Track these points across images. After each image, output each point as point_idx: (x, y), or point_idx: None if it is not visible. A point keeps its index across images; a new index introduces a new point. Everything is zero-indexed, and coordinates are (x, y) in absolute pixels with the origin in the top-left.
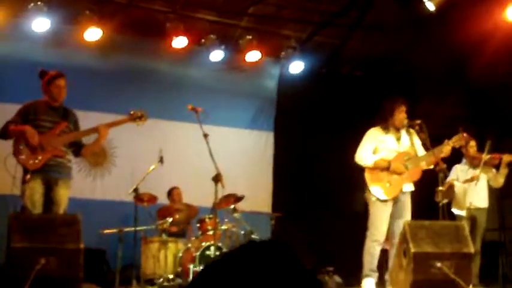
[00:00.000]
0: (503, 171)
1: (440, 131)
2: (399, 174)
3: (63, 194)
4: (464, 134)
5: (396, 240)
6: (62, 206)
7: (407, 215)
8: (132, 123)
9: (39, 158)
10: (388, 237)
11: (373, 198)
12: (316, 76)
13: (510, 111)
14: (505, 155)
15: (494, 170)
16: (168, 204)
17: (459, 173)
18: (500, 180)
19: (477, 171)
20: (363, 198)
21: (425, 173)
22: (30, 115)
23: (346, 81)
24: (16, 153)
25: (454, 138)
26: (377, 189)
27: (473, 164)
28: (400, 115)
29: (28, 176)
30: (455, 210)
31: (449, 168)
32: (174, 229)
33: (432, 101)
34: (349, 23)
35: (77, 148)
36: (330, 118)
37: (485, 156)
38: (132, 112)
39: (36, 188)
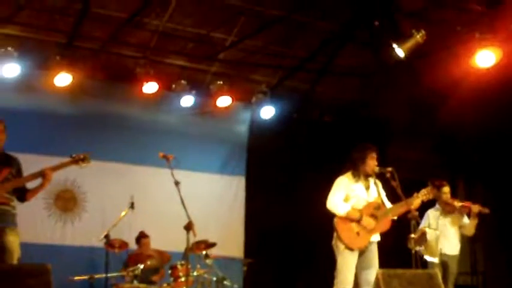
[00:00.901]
0: (473, 221)
1: (411, 176)
2: (369, 229)
3: (13, 241)
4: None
5: None
6: (15, 255)
7: (375, 265)
8: (75, 165)
9: None
10: (359, 285)
11: (342, 247)
12: (287, 121)
13: (479, 157)
14: (473, 206)
15: (465, 218)
16: (139, 250)
17: (431, 219)
18: (472, 230)
19: (448, 220)
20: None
21: (398, 220)
22: None
23: (317, 127)
24: None
25: (423, 192)
26: (346, 238)
27: (446, 210)
28: (371, 162)
29: None
30: (427, 257)
31: (421, 213)
32: (156, 278)
33: (402, 147)
34: (319, 68)
35: (21, 194)
36: (301, 163)
37: (457, 204)
38: (74, 155)
39: None
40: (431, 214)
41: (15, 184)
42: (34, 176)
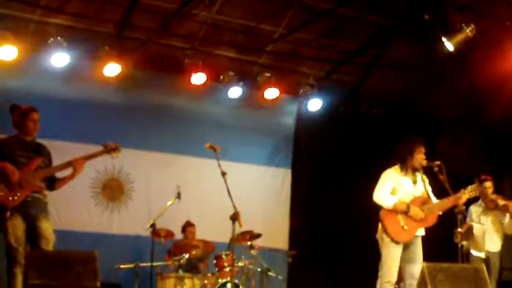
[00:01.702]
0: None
1: (458, 171)
2: (417, 220)
3: (48, 228)
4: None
5: (410, 281)
6: (51, 242)
7: (420, 259)
8: (107, 155)
9: (18, 194)
10: (403, 278)
11: (387, 240)
12: (334, 114)
13: None
14: (511, 205)
15: (507, 216)
16: (185, 240)
17: (473, 215)
18: (511, 228)
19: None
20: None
21: (444, 215)
22: (5, 151)
23: (364, 120)
24: None
25: (469, 188)
26: (392, 231)
27: (488, 207)
28: (419, 156)
29: (8, 213)
30: (474, 252)
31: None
32: (201, 268)
33: (450, 141)
34: (368, 62)
35: (50, 182)
36: (348, 156)
37: (500, 202)
38: (106, 144)
39: (18, 225)
40: (474, 210)
41: (47, 173)
42: (66, 166)
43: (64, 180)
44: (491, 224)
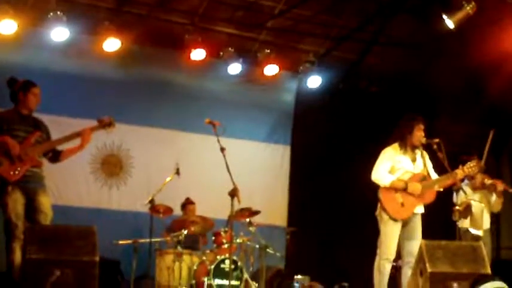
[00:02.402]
0: (499, 200)
1: (457, 149)
2: (415, 195)
3: (46, 202)
4: (480, 162)
5: (409, 259)
6: (49, 217)
7: (419, 236)
8: (102, 130)
9: (19, 169)
10: (401, 256)
11: (386, 217)
12: (334, 91)
13: None
14: (498, 183)
15: (494, 195)
16: (183, 216)
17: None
18: (498, 207)
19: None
20: (375, 216)
21: (442, 193)
22: (3, 125)
23: (363, 97)
24: None
25: (469, 165)
26: (390, 209)
27: (475, 185)
28: (418, 133)
29: (10, 188)
30: (472, 230)
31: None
32: (199, 244)
33: (449, 119)
34: (368, 38)
35: (53, 155)
36: (347, 133)
37: (487, 181)
38: (100, 119)
39: (19, 199)
40: (466, 188)
41: (47, 147)
42: (67, 139)
43: (72, 150)
44: (478, 202)
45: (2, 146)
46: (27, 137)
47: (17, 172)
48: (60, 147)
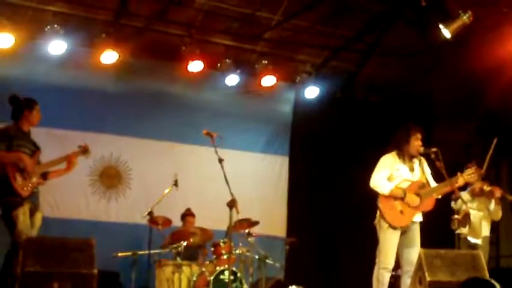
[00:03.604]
0: (498, 207)
1: (455, 158)
2: (412, 206)
3: (40, 219)
4: (480, 169)
5: (408, 268)
6: (37, 230)
7: (418, 245)
8: (82, 156)
9: (30, 185)
10: (400, 265)
11: (385, 225)
12: (332, 101)
13: None
14: (496, 190)
15: (493, 203)
16: (183, 227)
17: (464, 200)
18: (498, 214)
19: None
20: (373, 225)
21: (440, 201)
22: (13, 141)
23: (361, 106)
24: (11, 179)
25: (468, 172)
26: (390, 217)
27: (474, 192)
28: (416, 142)
29: (22, 202)
30: (471, 239)
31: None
32: (199, 256)
33: (447, 128)
34: (365, 48)
35: (43, 175)
36: (345, 143)
37: (486, 188)
38: (80, 145)
39: (27, 214)
40: (465, 197)
41: (45, 167)
42: (58, 162)
43: (58, 172)
44: (477, 210)
45: (18, 162)
46: (33, 155)
47: (28, 188)
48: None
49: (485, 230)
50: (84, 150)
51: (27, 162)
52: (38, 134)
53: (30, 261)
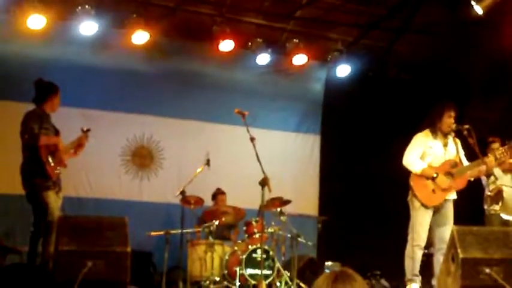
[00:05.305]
0: None
1: (488, 135)
2: (443, 188)
3: (61, 199)
4: (492, 143)
5: (441, 246)
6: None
7: (450, 222)
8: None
9: (58, 168)
10: (433, 242)
11: (417, 204)
12: (363, 79)
13: None
14: None
15: None
16: (214, 206)
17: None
18: None
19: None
20: (406, 203)
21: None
22: (44, 124)
23: (393, 85)
24: (46, 162)
25: (500, 150)
26: (422, 195)
27: (503, 168)
28: (448, 120)
29: (52, 184)
30: (504, 216)
31: None
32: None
33: (480, 105)
34: (397, 26)
35: None
36: (377, 121)
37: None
38: (82, 128)
39: (55, 195)
40: (495, 173)
41: (66, 151)
42: (74, 143)
43: (69, 155)
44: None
45: (52, 146)
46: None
47: (57, 171)
48: None
49: None
50: (87, 131)
51: (61, 147)
52: (71, 115)
53: (64, 240)
